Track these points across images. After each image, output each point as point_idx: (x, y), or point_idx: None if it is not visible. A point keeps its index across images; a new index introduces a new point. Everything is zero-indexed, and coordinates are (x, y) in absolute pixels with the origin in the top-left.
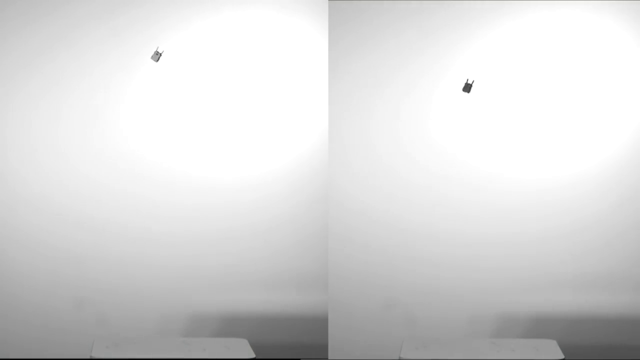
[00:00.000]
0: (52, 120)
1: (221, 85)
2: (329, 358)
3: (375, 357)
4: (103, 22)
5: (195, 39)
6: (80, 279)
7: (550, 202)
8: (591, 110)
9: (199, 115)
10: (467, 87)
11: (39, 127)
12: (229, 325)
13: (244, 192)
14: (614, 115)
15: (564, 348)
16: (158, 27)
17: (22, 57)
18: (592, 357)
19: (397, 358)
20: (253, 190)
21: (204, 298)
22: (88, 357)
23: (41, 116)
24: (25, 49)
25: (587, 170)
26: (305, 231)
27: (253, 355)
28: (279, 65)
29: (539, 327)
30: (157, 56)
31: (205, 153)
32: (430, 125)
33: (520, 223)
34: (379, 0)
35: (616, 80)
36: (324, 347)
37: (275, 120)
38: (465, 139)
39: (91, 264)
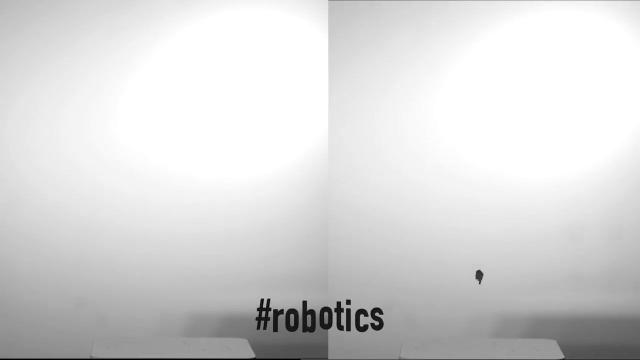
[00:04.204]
0: (51, 120)
1: (221, 85)
2: (329, 358)
3: (375, 357)
4: (102, 22)
5: (195, 38)
6: (80, 279)
7: (551, 202)
8: (591, 110)
9: (199, 115)
10: (479, 274)
11: (38, 127)
12: (229, 325)
13: (243, 192)
14: (614, 115)
15: (564, 348)
16: (157, 27)
17: (22, 57)
18: (592, 357)
19: (397, 358)
20: (253, 190)
21: (204, 298)
22: (88, 357)
23: (40, 116)
24: (25, 49)
25: (587, 170)
26: (305, 231)
27: (253, 355)
28: (278, 65)
29: (539, 327)
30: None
31: (205, 153)
32: (430, 125)
33: (520, 222)
34: (380, 0)
35: (616, 80)
36: (324, 347)
37: (275, 120)
38: (465, 139)
39: (91, 264)
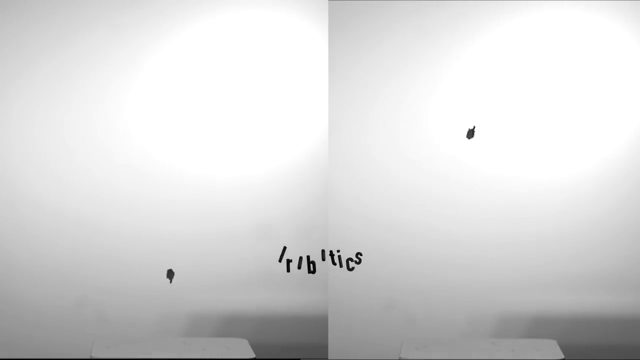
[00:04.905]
0: (54, 119)
1: (222, 85)
2: (329, 358)
3: (375, 357)
4: (106, 21)
5: (196, 38)
6: (81, 278)
7: (550, 202)
8: (591, 111)
9: (200, 114)
10: (470, 133)
11: (41, 127)
12: (229, 325)
13: (243, 192)
14: (614, 115)
15: (564, 348)
16: (159, 28)
17: (26, 56)
18: (592, 357)
19: (397, 358)
20: (253, 190)
21: (204, 298)
22: (88, 357)
23: (44, 115)
24: (29, 48)
25: (586, 171)
26: (304, 231)
27: (253, 355)
28: (278, 65)
29: (539, 327)
30: (171, 276)
31: (206, 153)
32: (430, 125)
33: (520, 223)
34: (379, 0)
35: (616, 80)
36: (324, 347)
37: (275, 120)
38: (464, 140)
39: (91, 263)
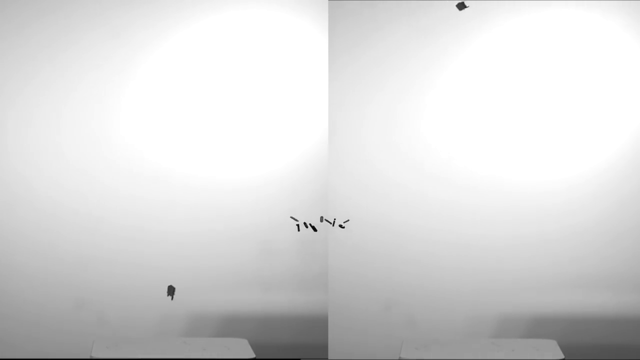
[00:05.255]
0: (52, 120)
1: (221, 85)
2: (329, 358)
3: (375, 358)
4: (103, 22)
5: (195, 38)
6: (81, 279)
7: (550, 203)
8: (591, 112)
9: (199, 115)
10: (461, 5)
11: (38, 127)
12: (229, 325)
13: (243, 192)
14: (614, 116)
15: (564, 348)
16: (158, 26)
17: (22, 57)
18: (592, 357)
19: (397, 358)
20: (253, 191)
21: (204, 298)
22: (88, 357)
23: (41, 116)
24: (25, 49)
25: (587, 171)
26: (305, 231)
27: (253, 355)
28: (278, 64)
29: (539, 327)
30: (172, 292)
31: (205, 153)
32: (430, 126)
33: (520, 224)
34: (379, 0)
35: (616, 81)
36: (324, 347)
37: (275, 120)
38: (464, 140)
39: (91, 264)
